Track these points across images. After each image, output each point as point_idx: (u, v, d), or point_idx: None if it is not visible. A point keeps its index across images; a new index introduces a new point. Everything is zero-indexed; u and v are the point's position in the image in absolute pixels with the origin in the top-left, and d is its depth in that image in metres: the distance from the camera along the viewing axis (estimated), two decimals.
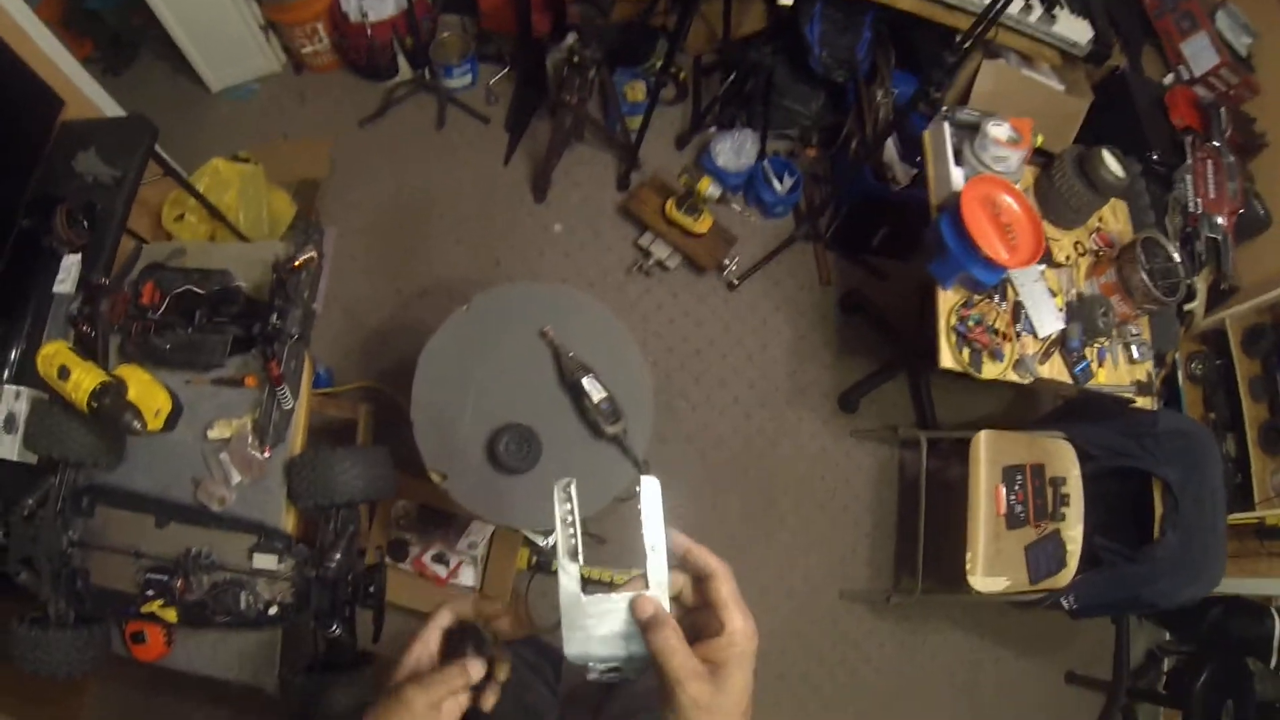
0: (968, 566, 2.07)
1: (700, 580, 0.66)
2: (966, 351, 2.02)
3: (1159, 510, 2.22)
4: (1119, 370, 2.18)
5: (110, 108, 2.19)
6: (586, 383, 1.74)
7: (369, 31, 2.78)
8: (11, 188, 1.80)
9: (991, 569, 2.08)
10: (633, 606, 0.64)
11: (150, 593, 1.52)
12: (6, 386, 1.71)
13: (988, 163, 2.09)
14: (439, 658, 0.73)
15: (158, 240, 2.32)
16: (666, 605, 0.64)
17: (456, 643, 0.73)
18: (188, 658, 1.59)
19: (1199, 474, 2.17)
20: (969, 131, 2.14)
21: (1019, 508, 2.14)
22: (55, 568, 1.50)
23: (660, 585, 0.65)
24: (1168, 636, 2.89)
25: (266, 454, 1.64)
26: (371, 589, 1.58)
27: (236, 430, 1.66)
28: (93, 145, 1.90)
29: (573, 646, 0.64)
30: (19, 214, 1.80)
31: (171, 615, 1.50)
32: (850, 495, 2.80)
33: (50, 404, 1.56)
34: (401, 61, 2.99)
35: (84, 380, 1.48)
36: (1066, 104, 2.69)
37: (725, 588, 0.65)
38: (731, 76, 2.83)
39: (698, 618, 0.66)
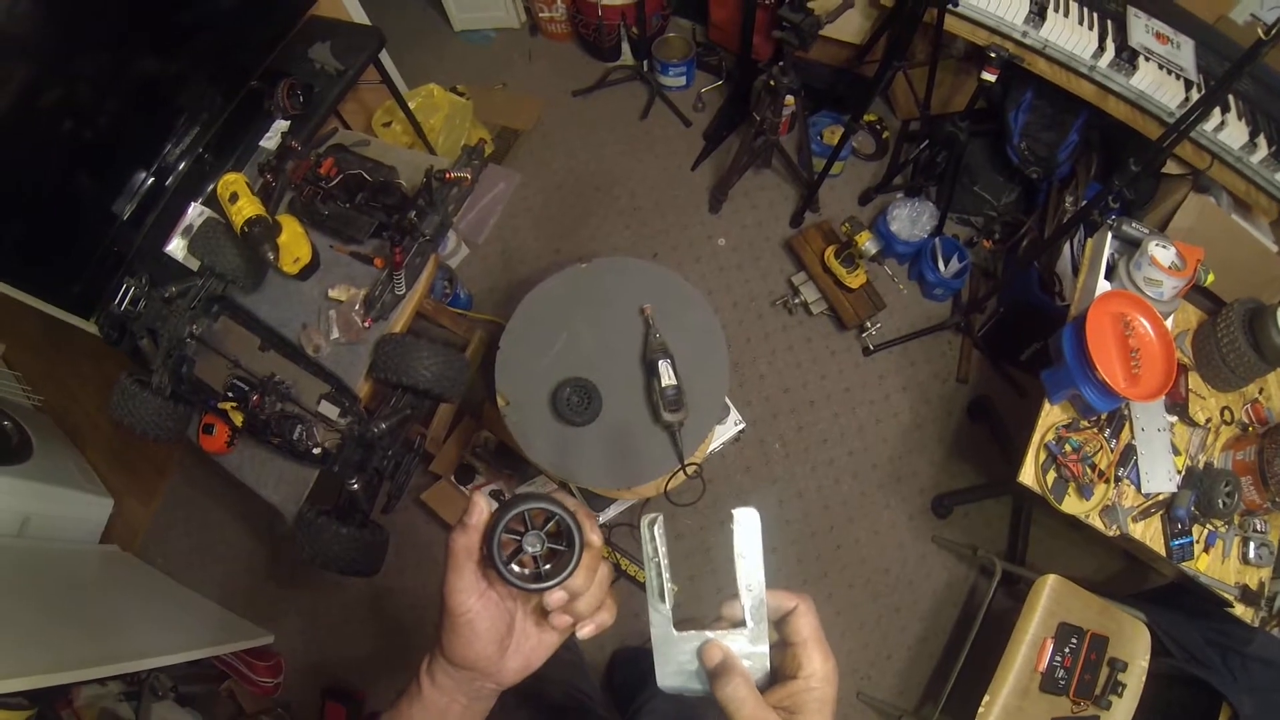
0: (980, 711, 1.86)
1: (782, 618, 0.62)
2: (1052, 475, 1.85)
3: None
4: (1226, 565, 1.89)
5: (358, 15, 2.52)
6: (662, 365, 1.76)
7: (600, 12, 3.02)
8: (255, 56, 2.15)
9: None
10: (701, 654, 0.61)
11: (230, 394, 1.77)
12: (195, 204, 2.03)
13: (1138, 283, 1.91)
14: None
15: (369, 135, 2.63)
16: (766, 648, 0.61)
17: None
18: (239, 464, 1.83)
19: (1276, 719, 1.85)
20: (1132, 248, 1.96)
21: (1061, 673, 1.90)
22: (170, 347, 1.79)
23: (758, 624, 0.62)
24: None
25: (367, 324, 1.85)
26: (399, 467, 1.75)
27: (351, 297, 1.88)
28: (330, 40, 2.25)
29: (666, 680, 0.64)
30: (254, 77, 2.14)
31: (239, 419, 1.74)
32: (909, 599, 2.62)
33: (218, 223, 1.85)
34: (625, 48, 3.22)
35: (246, 208, 1.75)
36: (1275, 265, 2.39)
37: (807, 624, 0.61)
38: (924, 144, 2.79)
39: (776, 655, 0.62)
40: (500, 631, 0.64)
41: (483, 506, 0.62)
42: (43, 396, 2.81)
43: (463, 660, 0.63)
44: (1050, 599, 1.94)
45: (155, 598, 2.47)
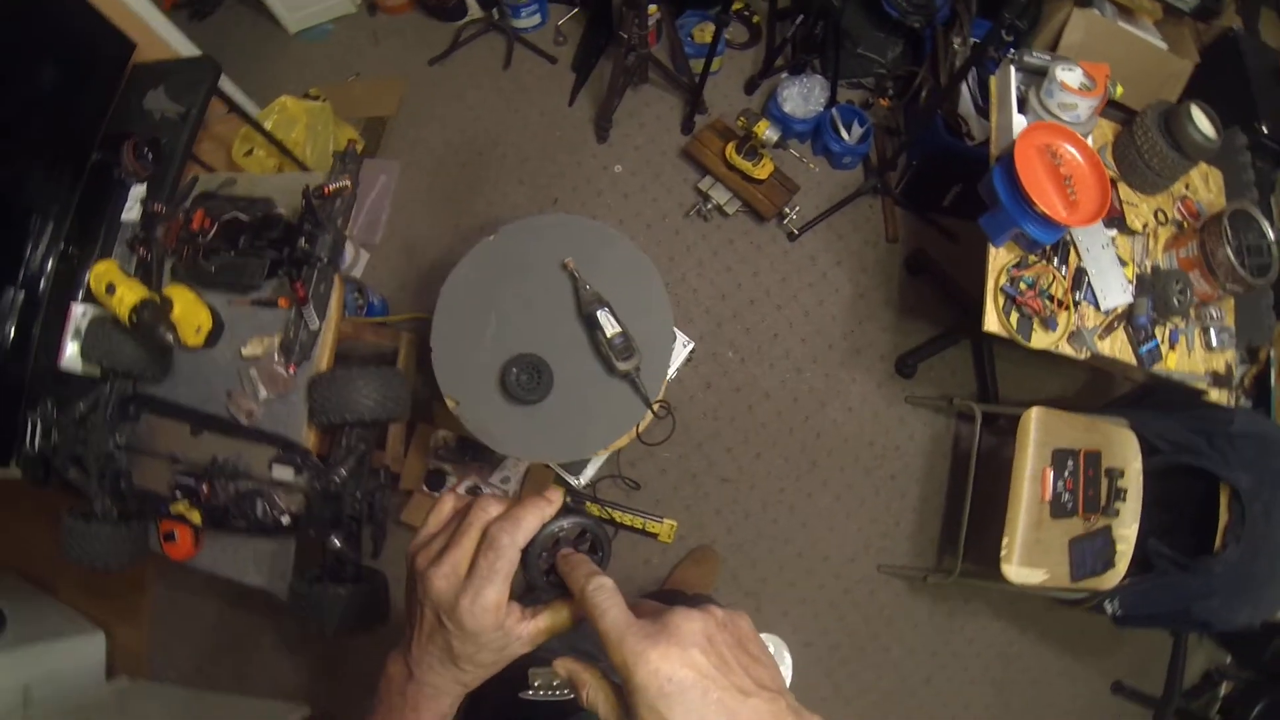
0: (1003, 554, 1.92)
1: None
2: (1015, 316, 1.86)
3: (1223, 519, 1.99)
4: (1193, 356, 1.97)
5: (186, 48, 2.30)
6: (601, 316, 1.70)
7: None
8: (87, 127, 1.94)
9: (1029, 559, 1.92)
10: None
11: (178, 494, 1.65)
12: (76, 305, 1.86)
13: (1054, 110, 1.90)
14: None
15: (232, 172, 2.46)
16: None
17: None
18: (212, 560, 1.73)
19: (1273, 485, 1.93)
20: (1038, 78, 1.94)
21: (1067, 496, 1.96)
22: (101, 467, 1.65)
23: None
24: (1229, 659, 2.63)
25: (292, 371, 1.72)
26: (373, 507, 1.67)
27: (266, 348, 1.75)
28: (162, 84, 2.03)
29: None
30: (94, 149, 1.93)
31: (196, 517, 1.63)
32: (899, 464, 2.68)
33: (104, 319, 1.70)
34: (470, 0, 3.02)
35: (127, 296, 1.60)
36: (1168, 63, 2.42)
37: (600, 621, 0.55)
38: (798, 19, 2.70)
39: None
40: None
41: (533, 525, 0.62)
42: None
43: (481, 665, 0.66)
44: (1039, 430, 1.98)
45: (180, 715, 2.40)
